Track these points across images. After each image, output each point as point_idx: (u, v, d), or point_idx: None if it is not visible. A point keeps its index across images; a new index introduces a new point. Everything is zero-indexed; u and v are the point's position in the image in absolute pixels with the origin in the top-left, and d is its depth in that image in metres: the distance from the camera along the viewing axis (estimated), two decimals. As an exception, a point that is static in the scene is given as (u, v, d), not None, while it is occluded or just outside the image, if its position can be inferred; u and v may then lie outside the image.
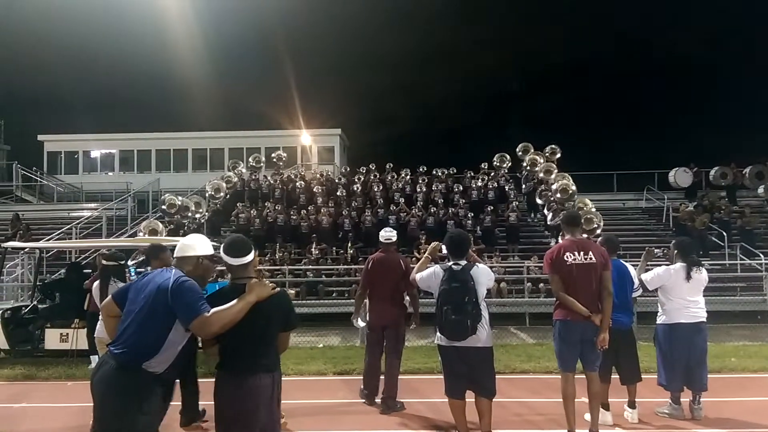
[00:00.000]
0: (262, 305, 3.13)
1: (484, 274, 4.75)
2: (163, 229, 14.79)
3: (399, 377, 6.30)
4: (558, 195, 16.46)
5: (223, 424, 3.19)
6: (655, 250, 6.60)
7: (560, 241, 5.50)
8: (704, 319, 5.72)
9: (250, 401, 3.13)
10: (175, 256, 3.33)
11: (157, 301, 3.05)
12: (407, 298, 6.44)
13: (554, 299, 5.16)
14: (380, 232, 6.61)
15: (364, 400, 6.33)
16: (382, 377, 6.30)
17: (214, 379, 3.26)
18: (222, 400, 3.18)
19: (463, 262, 4.70)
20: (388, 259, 6.37)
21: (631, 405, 5.66)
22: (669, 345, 5.67)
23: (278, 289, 3.26)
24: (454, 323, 4.50)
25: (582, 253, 4.95)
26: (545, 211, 17.48)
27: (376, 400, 6.28)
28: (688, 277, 5.63)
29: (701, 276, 5.73)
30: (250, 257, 3.30)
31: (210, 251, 3.37)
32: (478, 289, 4.62)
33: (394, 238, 6.44)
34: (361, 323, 6.49)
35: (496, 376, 4.88)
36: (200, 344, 3.36)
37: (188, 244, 3.35)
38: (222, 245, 3.34)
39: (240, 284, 3.21)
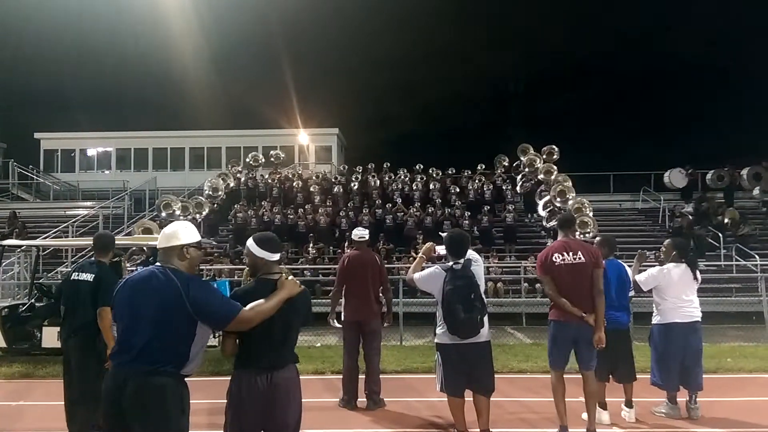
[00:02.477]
0: (290, 300, 3.20)
1: (480, 267, 4.89)
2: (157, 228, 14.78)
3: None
4: (557, 198, 16.52)
5: (250, 424, 3.17)
6: (647, 253, 6.66)
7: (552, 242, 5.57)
8: (699, 319, 5.75)
9: (284, 394, 3.18)
10: (158, 247, 3.15)
11: (174, 310, 2.90)
12: (381, 295, 6.55)
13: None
14: (353, 231, 6.80)
15: (344, 407, 6.26)
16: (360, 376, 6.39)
17: (230, 380, 3.24)
18: (248, 399, 3.16)
19: (462, 261, 4.73)
20: (363, 256, 6.50)
21: (628, 404, 5.70)
22: (664, 345, 5.70)
23: (303, 287, 3.32)
24: (466, 321, 4.54)
25: (570, 253, 5.00)
26: (540, 211, 17.51)
27: (359, 400, 6.32)
28: (695, 277, 5.72)
29: (697, 276, 5.81)
30: (279, 254, 3.40)
31: (195, 238, 3.18)
32: (480, 284, 4.73)
33: (367, 236, 6.64)
34: (337, 324, 6.55)
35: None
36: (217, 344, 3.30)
37: (170, 233, 3.13)
38: (255, 240, 3.32)
39: (270, 280, 3.26)
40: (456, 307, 4.54)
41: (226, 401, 3.25)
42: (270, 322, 3.12)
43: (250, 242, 3.33)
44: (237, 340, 3.20)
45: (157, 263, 3.12)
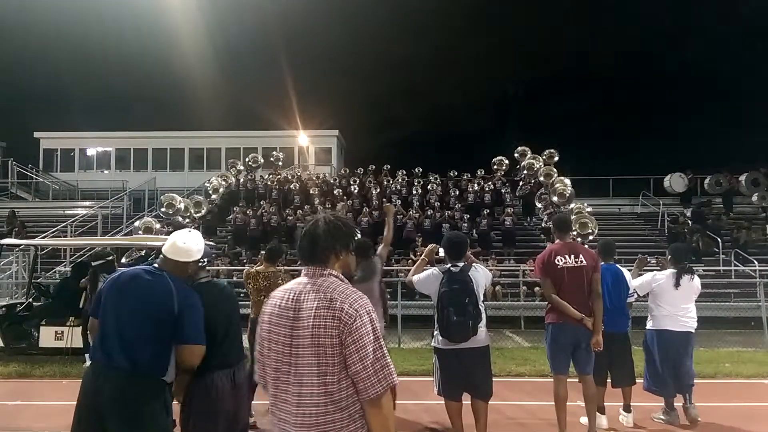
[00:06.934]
0: (219, 305, 3.32)
1: (482, 275, 4.76)
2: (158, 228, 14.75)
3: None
4: (555, 198, 16.50)
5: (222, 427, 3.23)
6: (648, 258, 6.60)
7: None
8: (693, 329, 5.67)
9: (244, 392, 3.40)
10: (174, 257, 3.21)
11: (161, 312, 2.98)
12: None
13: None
14: None
15: None
16: None
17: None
18: (217, 401, 3.23)
19: (461, 264, 4.69)
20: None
21: (626, 409, 5.70)
22: (656, 351, 5.68)
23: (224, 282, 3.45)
24: (457, 325, 4.47)
25: (572, 255, 4.97)
26: (541, 214, 17.49)
27: None
28: (677, 284, 5.61)
29: (693, 283, 5.70)
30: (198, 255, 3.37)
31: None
32: (477, 290, 4.61)
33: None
34: None
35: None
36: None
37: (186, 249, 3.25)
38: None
39: (202, 283, 3.41)
40: (448, 309, 4.48)
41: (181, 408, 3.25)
42: (214, 320, 3.20)
43: None
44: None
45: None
